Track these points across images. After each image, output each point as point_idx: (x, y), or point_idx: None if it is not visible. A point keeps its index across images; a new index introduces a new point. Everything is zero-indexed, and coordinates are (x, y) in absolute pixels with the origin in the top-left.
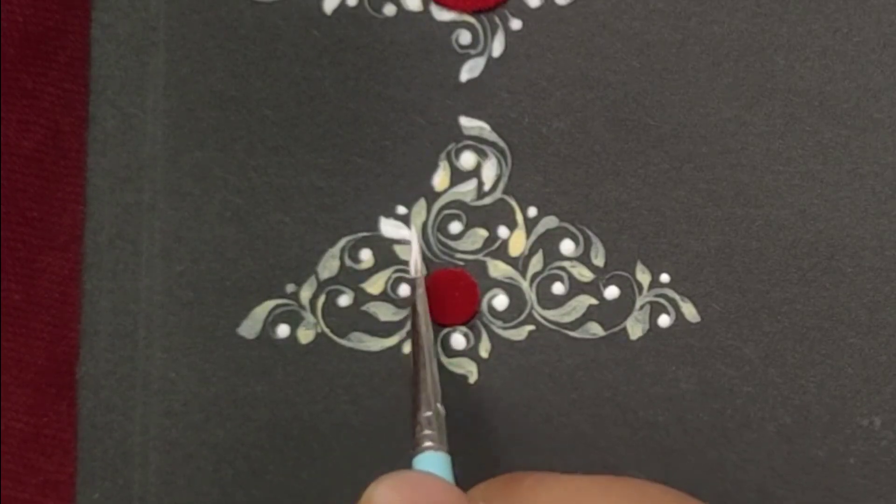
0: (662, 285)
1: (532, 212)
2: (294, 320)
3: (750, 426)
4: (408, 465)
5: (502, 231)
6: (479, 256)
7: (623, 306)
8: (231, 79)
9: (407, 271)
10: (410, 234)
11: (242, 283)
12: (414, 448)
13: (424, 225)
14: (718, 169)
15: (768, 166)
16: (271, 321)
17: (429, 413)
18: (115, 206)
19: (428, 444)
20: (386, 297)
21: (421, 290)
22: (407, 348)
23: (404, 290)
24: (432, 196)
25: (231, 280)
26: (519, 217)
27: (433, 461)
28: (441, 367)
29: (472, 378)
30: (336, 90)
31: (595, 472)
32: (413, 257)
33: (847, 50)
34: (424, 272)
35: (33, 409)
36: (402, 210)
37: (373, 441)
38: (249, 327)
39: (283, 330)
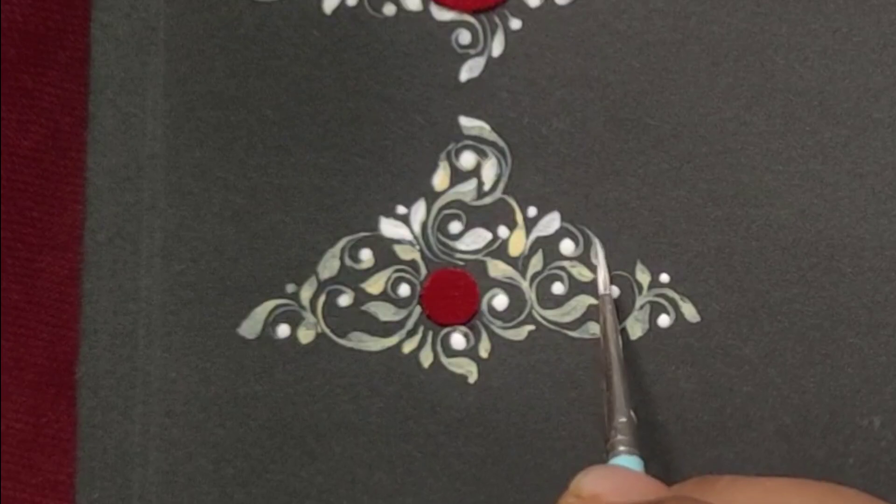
0: (662, 285)
1: (532, 212)
2: (294, 320)
3: (749, 426)
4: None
5: (502, 231)
6: (479, 256)
7: (623, 306)
8: (231, 79)
9: (407, 271)
10: (597, 251)
11: (243, 282)
12: (609, 452)
13: (424, 225)
14: (718, 169)
15: (768, 166)
16: (271, 321)
17: (623, 419)
18: (115, 206)
19: (623, 448)
20: (386, 296)
21: (610, 306)
22: (407, 348)
23: (404, 289)
24: (432, 196)
25: (231, 280)
26: (519, 217)
27: (628, 462)
28: (441, 366)
29: (472, 378)
30: (336, 90)
31: None
32: (601, 272)
33: (847, 50)
34: (609, 291)
35: (33, 408)
36: (402, 210)
37: (373, 441)
38: (250, 327)
39: (283, 330)
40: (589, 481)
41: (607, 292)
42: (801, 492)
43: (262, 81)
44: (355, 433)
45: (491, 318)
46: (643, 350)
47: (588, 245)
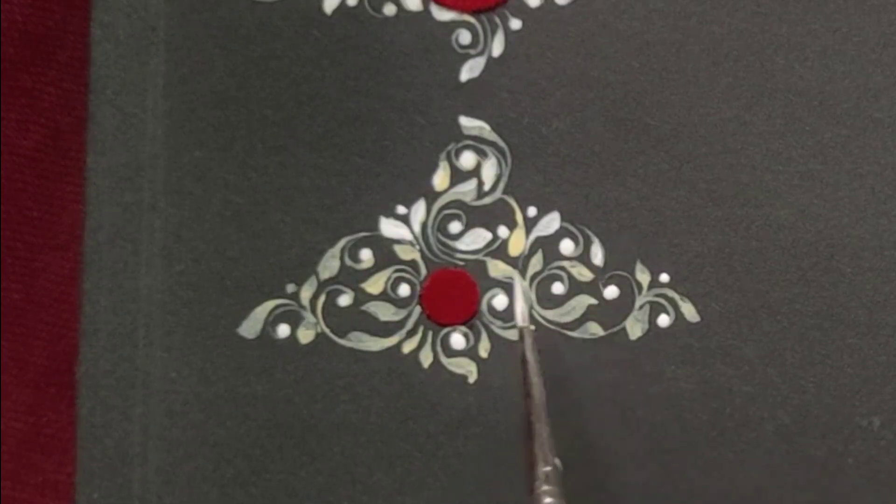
0: (662, 285)
1: (532, 212)
2: (294, 320)
3: (749, 426)
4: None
5: (502, 231)
6: (479, 256)
7: (623, 306)
8: (231, 79)
9: (407, 271)
10: (515, 282)
11: (243, 282)
12: (533, 502)
13: (424, 225)
14: (718, 169)
15: (768, 166)
16: (272, 321)
17: (547, 468)
18: (115, 206)
19: (548, 500)
20: (386, 296)
21: (530, 341)
22: (407, 348)
23: (404, 289)
24: (432, 196)
25: (231, 280)
26: (519, 217)
27: None
28: (441, 366)
29: (472, 378)
30: (336, 90)
31: (594, 471)
32: (519, 306)
33: (847, 50)
34: (530, 325)
35: (33, 408)
36: (402, 210)
37: (373, 441)
38: (250, 327)
39: (283, 330)
40: None
41: (526, 324)
42: None
43: (262, 81)
44: (355, 433)
45: (491, 318)
46: (643, 350)
47: (588, 245)
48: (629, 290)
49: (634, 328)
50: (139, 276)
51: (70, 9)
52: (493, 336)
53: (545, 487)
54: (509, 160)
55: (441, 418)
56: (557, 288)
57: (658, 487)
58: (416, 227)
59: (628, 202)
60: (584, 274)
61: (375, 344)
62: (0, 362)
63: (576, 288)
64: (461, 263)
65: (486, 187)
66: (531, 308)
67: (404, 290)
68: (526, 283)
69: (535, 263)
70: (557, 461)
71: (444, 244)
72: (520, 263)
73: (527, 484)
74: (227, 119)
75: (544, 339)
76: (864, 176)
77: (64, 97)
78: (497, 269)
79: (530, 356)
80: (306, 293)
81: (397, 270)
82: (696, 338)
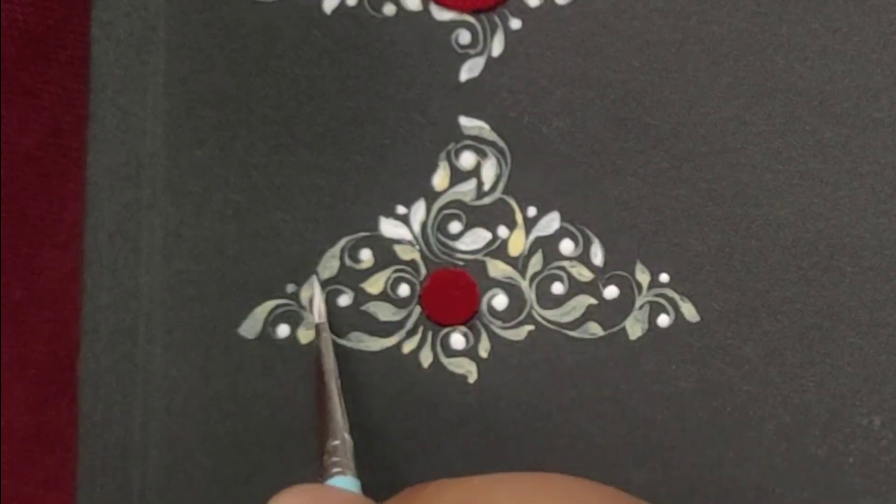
0: (662, 285)
1: (532, 212)
2: (294, 320)
3: (749, 425)
4: None
5: (502, 231)
6: (479, 256)
7: (622, 306)
8: (231, 78)
9: (407, 271)
10: (314, 283)
11: (243, 282)
12: (322, 475)
13: (424, 225)
14: (718, 169)
15: (768, 166)
16: (272, 321)
17: (336, 442)
18: (116, 204)
19: (336, 469)
20: (386, 296)
21: (325, 335)
22: (407, 348)
23: (404, 289)
24: (432, 196)
25: (231, 279)
26: (518, 217)
27: (342, 483)
28: (441, 366)
29: (472, 378)
30: (336, 90)
31: (593, 471)
32: (315, 303)
33: (847, 50)
34: (324, 319)
35: (34, 405)
36: (402, 210)
37: (372, 441)
38: (250, 327)
39: (283, 330)
40: (283, 501)
41: (322, 321)
42: (507, 486)
43: (263, 81)
44: (355, 433)
45: (491, 318)
46: (643, 350)
47: (588, 245)
48: (629, 290)
49: (634, 328)
50: (139, 275)
51: (70, 8)
52: (493, 336)
53: (334, 459)
54: (509, 160)
55: (441, 418)
56: (557, 288)
57: (658, 487)
58: (416, 227)
59: (628, 202)
60: (584, 274)
61: (375, 344)
62: (1, 360)
63: (576, 288)
64: (461, 263)
65: (486, 187)
66: (530, 308)
67: (404, 290)
68: (319, 283)
69: (535, 263)
70: (348, 436)
71: (443, 244)
72: (520, 263)
73: (318, 460)
74: (227, 118)
75: (544, 339)
76: (864, 176)
77: (64, 96)
78: (497, 269)
79: (324, 347)
80: (306, 293)
81: (397, 270)
82: (696, 338)
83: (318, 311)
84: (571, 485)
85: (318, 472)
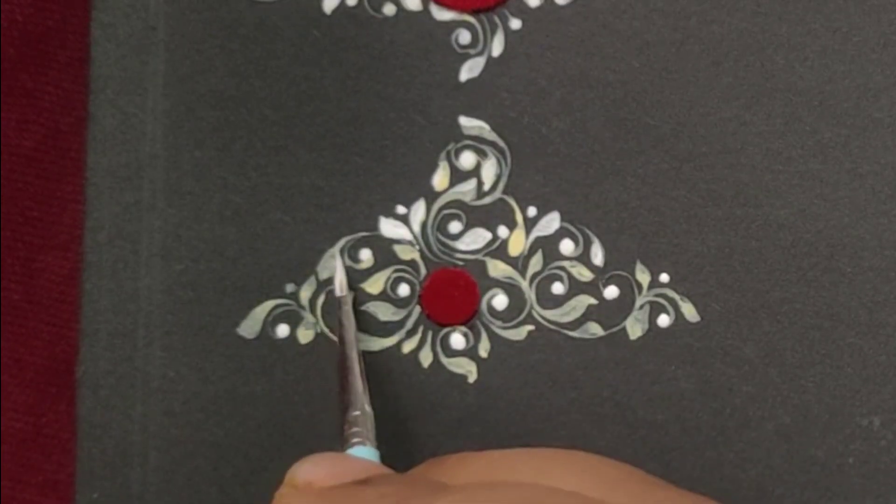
0: (662, 285)
1: (532, 212)
2: (294, 320)
3: (749, 425)
4: None
5: (502, 231)
6: (479, 256)
7: (622, 306)
8: (231, 78)
9: (407, 271)
10: (335, 256)
11: (242, 282)
12: (342, 445)
13: (424, 224)
14: (718, 169)
15: (768, 166)
16: (271, 321)
17: (356, 412)
18: (115, 206)
19: (356, 440)
20: (386, 296)
21: (347, 308)
22: (406, 348)
23: (404, 289)
24: (432, 196)
25: (231, 280)
26: (518, 217)
27: (362, 452)
28: (440, 366)
29: (472, 378)
30: (336, 90)
31: None
32: (338, 276)
33: (847, 50)
34: (347, 292)
35: (33, 408)
36: (401, 210)
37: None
38: (249, 327)
39: (282, 330)
40: (303, 470)
41: (343, 294)
42: (528, 459)
43: (262, 81)
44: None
45: (491, 318)
46: (643, 350)
47: (588, 245)
48: (629, 290)
49: (634, 328)
50: (139, 276)
51: (70, 9)
52: (493, 336)
53: (354, 429)
54: (509, 160)
55: (441, 418)
56: (557, 288)
57: None
58: (416, 227)
59: (628, 202)
60: (584, 274)
61: (375, 344)
62: (0, 362)
63: (576, 288)
64: (461, 263)
65: (486, 187)
66: (530, 308)
67: (404, 290)
68: (341, 258)
69: (535, 263)
70: (368, 408)
71: (443, 244)
72: (520, 263)
73: (338, 429)
74: (226, 119)
75: (544, 339)
76: (864, 176)
77: (64, 97)
78: (497, 268)
79: (346, 319)
80: (306, 293)
81: (397, 270)
82: (696, 338)
83: (341, 284)
84: (591, 460)
85: (338, 443)
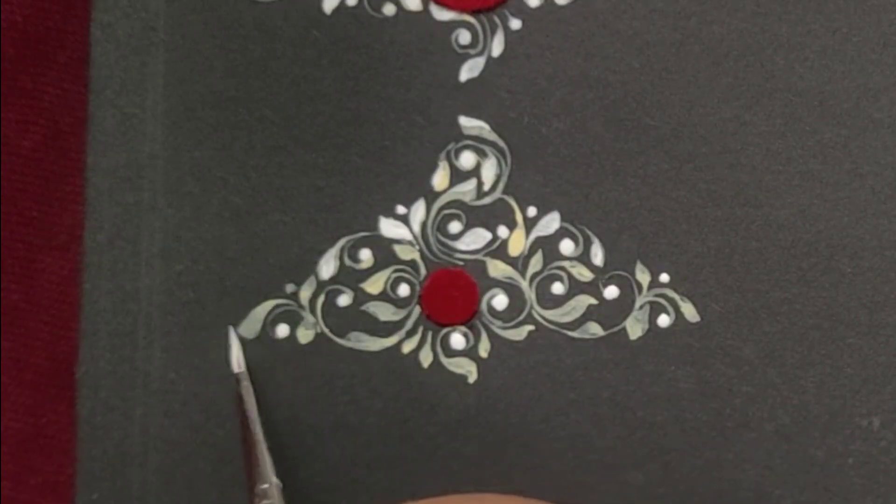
0: (662, 285)
1: (532, 212)
2: (294, 320)
3: (749, 426)
4: None
5: (502, 231)
6: (479, 256)
7: (623, 306)
8: (231, 79)
9: (407, 271)
10: (231, 335)
11: (242, 282)
12: None
13: (424, 224)
14: (718, 169)
15: (768, 166)
16: (271, 321)
17: (265, 485)
18: (115, 206)
19: None
20: (385, 296)
21: (246, 383)
22: (406, 348)
23: (404, 289)
24: (432, 196)
25: (231, 280)
26: (518, 217)
27: None
28: (440, 366)
29: (472, 378)
30: (336, 90)
31: (592, 472)
32: (234, 353)
33: (847, 50)
34: (243, 368)
35: (33, 409)
36: (401, 210)
37: (372, 441)
38: (249, 327)
39: (282, 330)
40: None
41: (241, 370)
42: None
43: (262, 81)
44: (354, 433)
45: (491, 318)
46: (643, 350)
47: (588, 245)
48: (629, 290)
49: (634, 328)
50: (139, 277)
51: (70, 9)
52: (493, 336)
53: (265, 502)
54: (509, 160)
55: (441, 418)
56: (557, 288)
57: (657, 488)
58: (416, 227)
59: (628, 202)
60: (584, 274)
61: (375, 344)
62: (0, 362)
63: (576, 288)
64: (461, 263)
65: (486, 187)
66: (530, 308)
67: (404, 290)
68: (236, 335)
69: (535, 263)
70: (276, 479)
71: (443, 244)
72: (520, 263)
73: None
74: (226, 119)
75: (544, 339)
76: (864, 176)
77: (64, 97)
78: (497, 269)
79: (246, 396)
80: (306, 293)
81: (397, 270)
82: (696, 338)
83: (237, 360)
84: (503, 501)
85: None
